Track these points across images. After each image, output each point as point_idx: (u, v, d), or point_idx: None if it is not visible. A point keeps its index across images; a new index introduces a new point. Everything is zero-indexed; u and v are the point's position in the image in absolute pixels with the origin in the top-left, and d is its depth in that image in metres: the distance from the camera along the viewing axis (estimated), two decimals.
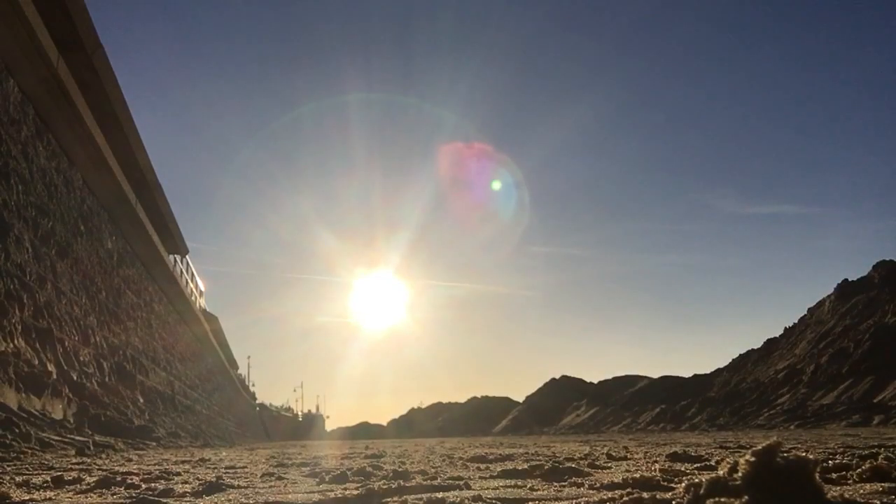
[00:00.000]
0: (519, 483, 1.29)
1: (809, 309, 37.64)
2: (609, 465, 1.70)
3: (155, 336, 16.19)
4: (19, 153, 8.08)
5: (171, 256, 19.66)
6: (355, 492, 1.12)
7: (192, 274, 25.55)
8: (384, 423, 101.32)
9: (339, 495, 1.10)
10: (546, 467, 1.44)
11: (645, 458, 1.92)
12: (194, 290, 25.69)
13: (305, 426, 75.53)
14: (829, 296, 35.97)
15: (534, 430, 58.34)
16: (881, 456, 1.17)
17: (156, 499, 1.16)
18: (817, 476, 0.64)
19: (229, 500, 1.14)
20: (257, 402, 57.41)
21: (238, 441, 17.92)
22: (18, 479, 1.66)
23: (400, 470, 1.56)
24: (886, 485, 0.88)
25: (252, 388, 57.10)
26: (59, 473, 1.77)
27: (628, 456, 2.08)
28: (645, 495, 0.82)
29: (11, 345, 6.57)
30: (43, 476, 1.73)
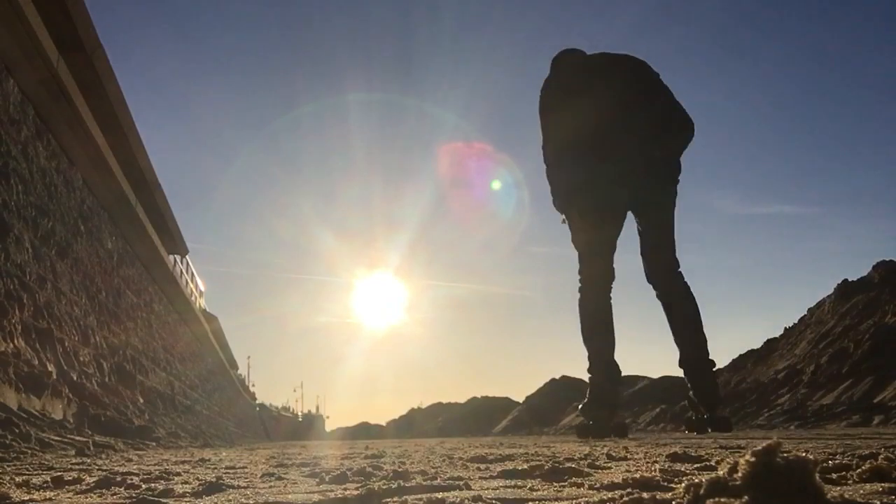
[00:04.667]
0: (519, 483, 1.28)
1: (809, 309, 37.60)
2: (609, 465, 1.70)
3: (155, 336, 16.19)
4: (19, 153, 8.08)
5: (171, 256, 19.67)
6: (355, 492, 1.12)
7: (192, 274, 25.56)
8: (384, 424, 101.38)
9: (339, 495, 1.10)
10: (546, 467, 1.44)
11: (645, 458, 1.92)
12: (194, 290, 25.70)
13: (305, 426, 75.55)
14: (829, 296, 35.96)
15: (534, 430, 58.33)
16: (881, 456, 1.17)
17: (156, 499, 1.16)
18: (817, 476, 0.64)
19: (229, 500, 1.13)
20: (257, 402, 57.43)
21: (238, 441, 17.92)
22: (18, 479, 1.65)
23: (400, 470, 1.56)
24: (886, 485, 0.88)
25: (252, 389, 57.14)
26: (59, 473, 1.76)
27: (628, 456, 2.08)
28: (645, 495, 0.81)
29: (11, 345, 6.57)
30: (43, 476, 1.72)
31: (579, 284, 4.03)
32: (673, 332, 3.83)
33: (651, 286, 3.94)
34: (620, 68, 4.00)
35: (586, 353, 4.00)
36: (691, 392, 3.78)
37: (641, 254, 3.96)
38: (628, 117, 3.86)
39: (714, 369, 3.83)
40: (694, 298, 3.82)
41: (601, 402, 3.95)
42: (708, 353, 3.78)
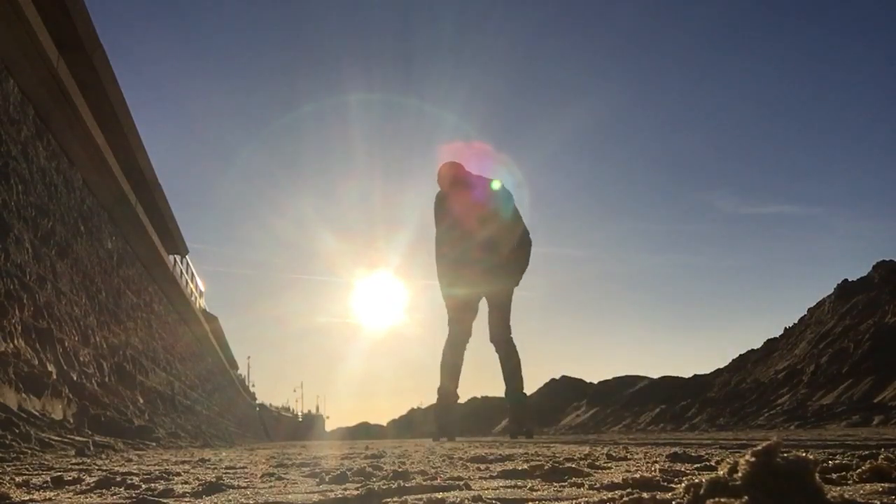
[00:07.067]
0: (519, 483, 1.28)
1: (809, 309, 37.55)
2: (609, 465, 1.70)
3: (155, 336, 16.19)
4: (19, 153, 8.08)
5: (171, 256, 19.68)
6: (355, 492, 1.12)
7: (192, 274, 25.58)
8: (384, 424, 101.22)
9: (339, 495, 1.10)
10: (546, 467, 1.44)
11: (645, 459, 1.92)
12: (194, 290, 25.71)
13: (305, 426, 75.53)
14: (829, 296, 35.90)
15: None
16: (881, 456, 1.17)
17: (156, 499, 1.16)
18: (817, 476, 0.64)
19: (229, 500, 1.13)
20: (257, 402, 57.41)
21: (238, 441, 17.92)
22: (18, 479, 1.65)
23: (400, 470, 1.56)
24: (886, 485, 0.88)
25: (252, 389, 57.13)
26: (59, 474, 1.76)
27: (628, 456, 2.08)
28: (645, 495, 0.81)
29: (11, 345, 6.57)
30: (43, 476, 1.72)
31: (447, 338, 5.94)
32: (504, 377, 5.82)
33: (493, 344, 5.89)
34: (488, 194, 6.00)
35: (439, 385, 5.96)
36: (512, 415, 6.09)
37: (488, 323, 5.91)
38: (487, 234, 5.85)
39: (527, 401, 5.96)
40: (518, 355, 5.84)
41: (445, 415, 6.06)
42: (524, 391, 5.85)
